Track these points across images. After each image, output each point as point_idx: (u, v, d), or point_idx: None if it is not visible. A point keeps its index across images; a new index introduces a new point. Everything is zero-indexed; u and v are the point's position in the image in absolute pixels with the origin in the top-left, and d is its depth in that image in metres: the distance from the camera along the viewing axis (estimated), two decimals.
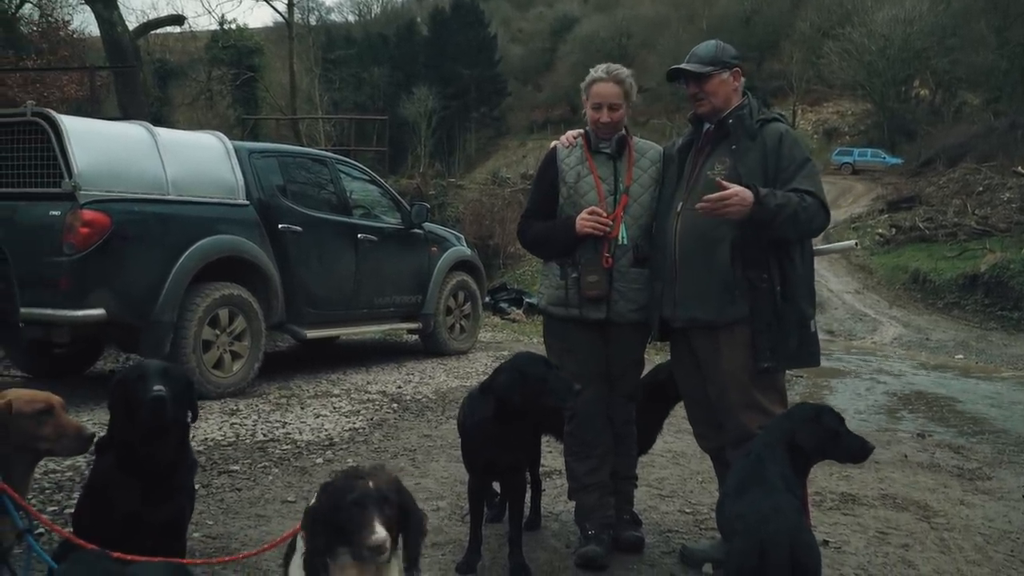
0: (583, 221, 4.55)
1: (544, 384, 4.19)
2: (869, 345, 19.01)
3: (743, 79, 4.55)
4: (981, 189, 34.06)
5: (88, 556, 3.03)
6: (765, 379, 4.33)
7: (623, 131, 4.76)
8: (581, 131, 4.87)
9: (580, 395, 4.25)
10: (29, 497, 5.20)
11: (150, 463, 3.45)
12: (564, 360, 4.61)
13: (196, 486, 5.39)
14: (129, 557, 3.04)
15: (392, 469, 6.18)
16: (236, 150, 9.03)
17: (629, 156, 4.74)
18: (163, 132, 8.67)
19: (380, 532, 2.66)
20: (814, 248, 4.65)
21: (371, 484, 2.78)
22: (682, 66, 4.53)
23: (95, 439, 3.44)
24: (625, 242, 4.61)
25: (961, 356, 17.20)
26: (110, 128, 8.65)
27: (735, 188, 4.07)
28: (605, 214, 4.57)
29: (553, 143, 4.96)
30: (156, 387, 3.40)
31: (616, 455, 4.83)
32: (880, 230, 33.57)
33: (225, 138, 9.21)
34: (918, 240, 30.50)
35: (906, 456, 7.63)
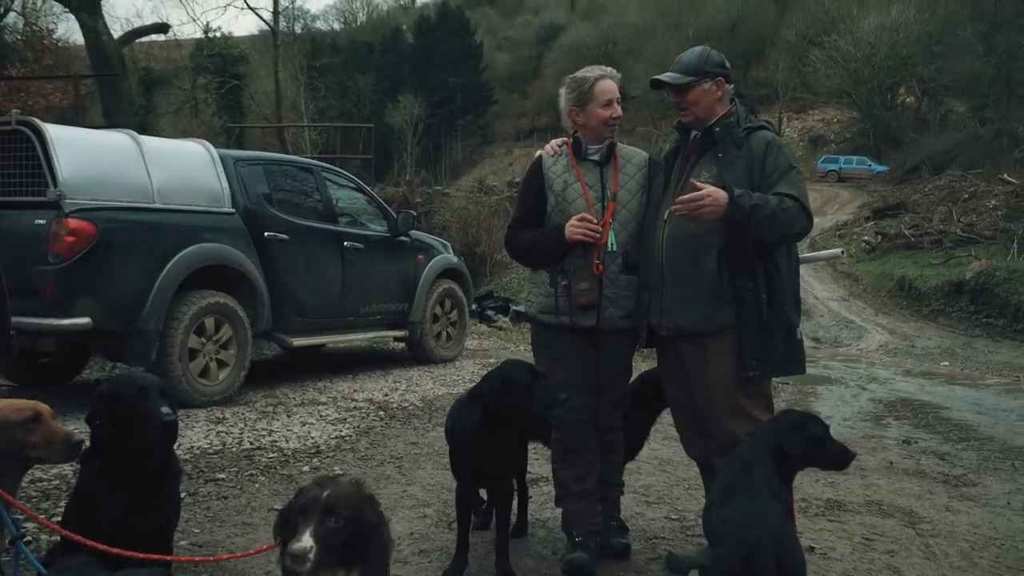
0: (573, 228, 4.54)
1: (529, 392, 4.19)
2: (855, 352, 19.09)
3: (729, 87, 4.54)
4: (967, 196, 34.16)
5: (76, 563, 3.02)
6: (752, 386, 4.34)
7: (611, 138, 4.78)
8: (566, 139, 4.87)
9: (565, 403, 4.24)
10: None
11: (138, 474, 3.44)
12: (552, 368, 4.61)
13: (183, 494, 5.38)
14: (116, 551, 3.04)
15: (378, 477, 6.22)
16: (222, 158, 9.01)
17: (615, 162, 4.75)
18: (148, 140, 8.64)
19: (303, 542, 2.60)
20: (800, 256, 4.67)
21: (324, 493, 2.72)
22: (661, 77, 4.54)
23: (83, 446, 3.44)
24: (614, 248, 4.60)
25: (946, 363, 17.27)
26: (95, 136, 8.63)
27: (708, 188, 4.11)
28: (595, 220, 4.57)
29: (538, 152, 4.96)
30: (165, 410, 3.44)
31: (603, 462, 4.83)
32: (866, 237, 33.68)
33: (210, 146, 9.17)
34: (904, 247, 30.59)
35: (891, 463, 7.66)
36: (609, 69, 4.77)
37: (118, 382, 3.61)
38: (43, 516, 4.96)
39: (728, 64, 4.61)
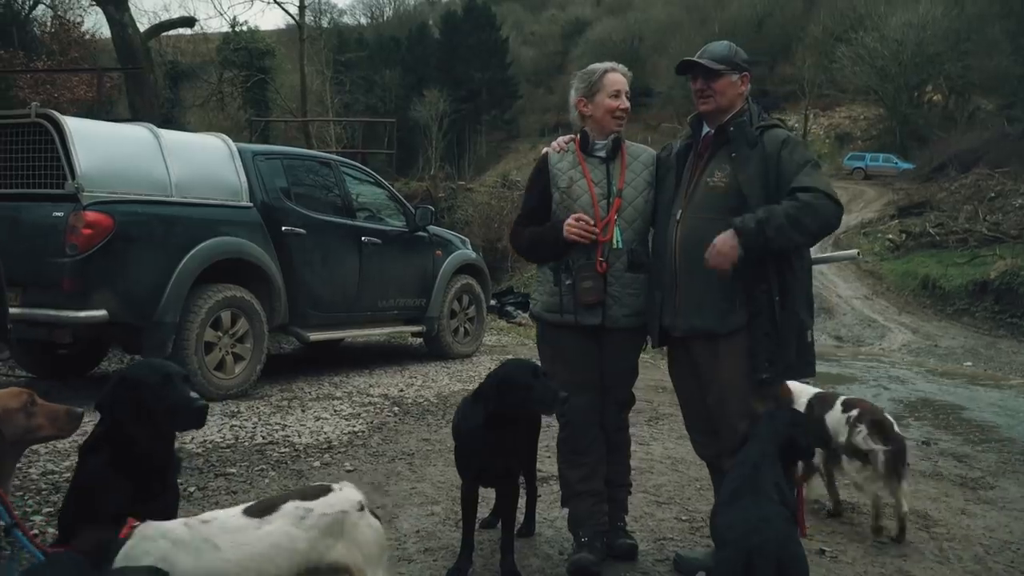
0: (569, 228, 4.52)
1: (528, 391, 4.17)
2: (877, 351, 18.97)
3: (749, 85, 4.52)
4: (993, 195, 33.95)
5: (62, 557, 3.00)
6: (763, 388, 4.31)
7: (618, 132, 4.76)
8: (573, 136, 4.84)
9: (566, 402, 4.22)
10: (27, 499, 5.23)
11: (147, 462, 3.44)
12: (556, 367, 4.60)
13: (192, 488, 5.45)
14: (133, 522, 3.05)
15: (388, 473, 6.21)
16: (240, 152, 9.03)
17: (622, 159, 4.72)
18: (167, 134, 8.67)
19: None
20: (814, 257, 4.63)
21: None
22: (695, 59, 4.49)
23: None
24: (619, 246, 4.57)
25: (970, 363, 17.15)
26: (114, 129, 8.66)
27: (714, 241, 4.10)
28: (591, 221, 4.54)
29: (544, 149, 4.94)
30: (195, 394, 3.50)
31: (609, 463, 4.81)
32: (891, 236, 33.46)
33: (229, 140, 9.20)
34: (928, 246, 30.41)
35: (909, 464, 7.59)
36: (620, 65, 4.79)
37: (139, 369, 3.60)
38: (51, 509, 4.99)
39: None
